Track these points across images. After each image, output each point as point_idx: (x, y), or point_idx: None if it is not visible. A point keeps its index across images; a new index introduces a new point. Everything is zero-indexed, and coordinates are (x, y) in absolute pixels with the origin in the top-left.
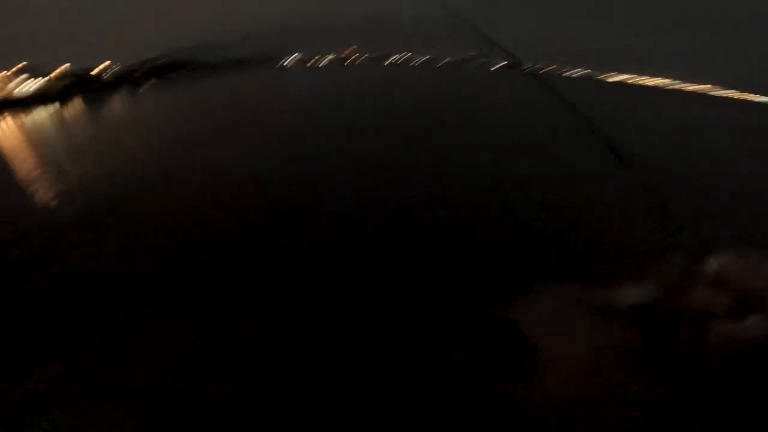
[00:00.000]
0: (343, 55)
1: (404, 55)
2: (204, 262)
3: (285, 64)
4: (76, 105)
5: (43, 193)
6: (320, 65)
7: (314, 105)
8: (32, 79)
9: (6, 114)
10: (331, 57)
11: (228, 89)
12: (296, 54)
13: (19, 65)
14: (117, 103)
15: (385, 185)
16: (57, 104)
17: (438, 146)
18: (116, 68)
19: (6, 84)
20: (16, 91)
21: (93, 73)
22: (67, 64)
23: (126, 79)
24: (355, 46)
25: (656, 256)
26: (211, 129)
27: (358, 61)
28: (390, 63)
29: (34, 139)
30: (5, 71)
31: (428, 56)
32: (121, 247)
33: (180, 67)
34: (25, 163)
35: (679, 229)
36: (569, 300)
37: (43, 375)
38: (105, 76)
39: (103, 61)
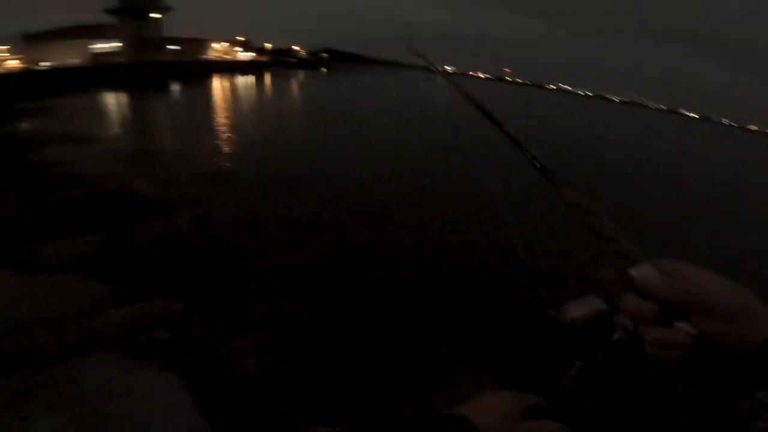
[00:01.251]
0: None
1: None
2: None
3: (440, 70)
4: (270, 76)
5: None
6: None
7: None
8: (244, 50)
9: (223, 74)
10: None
11: (388, 81)
12: (452, 66)
13: (238, 38)
14: (300, 79)
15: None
16: (258, 72)
17: None
18: (302, 53)
19: (227, 50)
20: (240, 56)
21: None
22: (269, 44)
23: (307, 62)
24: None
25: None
26: (369, 113)
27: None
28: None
29: (232, 97)
30: (227, 42)
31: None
32: (258, 205)
33: (350, 58)
34: (216, 115)
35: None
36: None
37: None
38: (292, 59)
39: (294, 45)
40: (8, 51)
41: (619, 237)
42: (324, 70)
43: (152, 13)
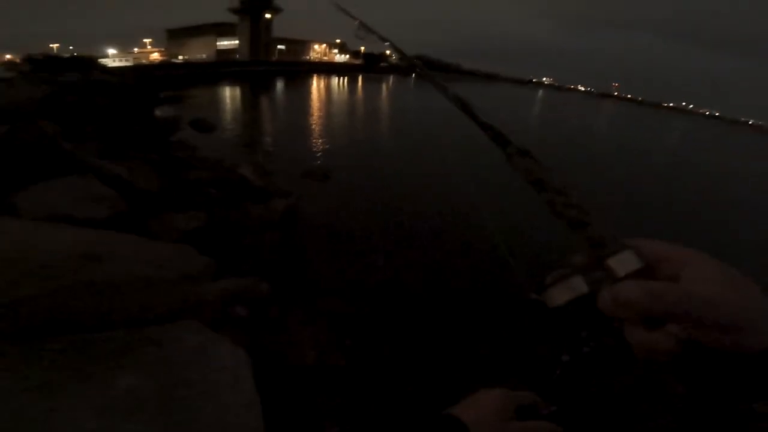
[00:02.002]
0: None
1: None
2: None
3: (534, 82)
4: (362, 79)
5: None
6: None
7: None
8: (340, 53)
9: (321, 74)
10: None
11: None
12: (548, 78)
13: (336, 41)
14: (390, 84)
15: None
16: (352, 75)
17: None
18: (394, 59)
19: (326, 52)
20: (336, 58)
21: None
22: (363, 47)
23: (399, 68)
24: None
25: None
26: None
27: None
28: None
29: (328, 97)
30: (325, 44)
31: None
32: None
33: (441, 67)
34: (313, 113)
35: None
36: None
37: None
38: (384, 63)
39: (385, 51)
40: (151, 44)
41: (590, 219)
42: (414, 76)
43: (265, 13)
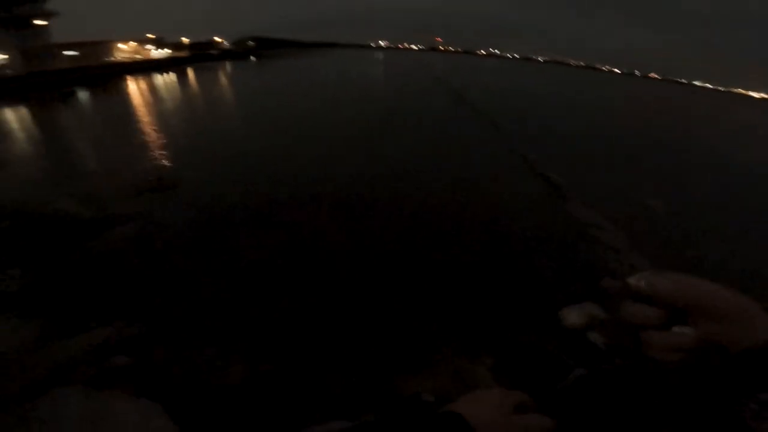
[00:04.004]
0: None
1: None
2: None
3: (374, 46)
4: (193, 71)
5: (146, 147)
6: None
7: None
8: (157, 48)
9: (137, 75)
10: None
11: (323, 64)
12: (385, 41)
13: (148, 35)
14: (227, 71)
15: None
16: (177, 69)
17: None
18: (225, 44)
19: (138, 50)
20: (152, 54)
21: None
22: (185, 38)
23: (232, 53)
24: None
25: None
26: (303, 96)
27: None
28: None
29: (153, 98)
30: (136, 41)
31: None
32: (194, 206)
33: (280, 44)
34: (140, 119)
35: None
36: None
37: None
38: (214, 51)
39: (216, 37)
40: None
41: (622, 246)
42: (253, 59)
43: (34, 20)
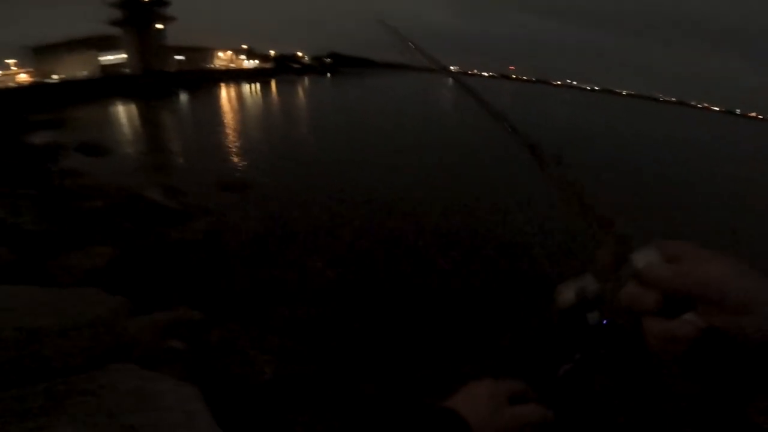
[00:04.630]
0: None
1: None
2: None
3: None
4: (275, 83)
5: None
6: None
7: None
8: (248, 58)
9: (229, 82)
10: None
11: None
12: (456, 66)
13: (242, 46)
14: (306, 85)
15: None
16: (263, 80)
17: None
18: (306, 59)
19: (232, 59)
20: (245, 64)
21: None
22: (272, 51)
23: (311, 67)
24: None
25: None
26: (376, 116)
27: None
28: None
29: (240, 105)
30: (232, 50)
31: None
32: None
33: (354, 62)
34: (226, 123)
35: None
36: None
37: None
38: (296, 65)
39: (298, 51)
40: (16, 65)
41: (616, 219)
42: (329, 75)
43: (155, 23)
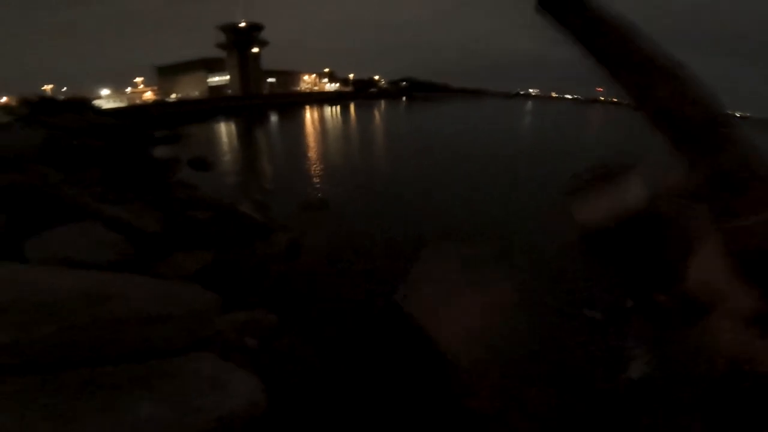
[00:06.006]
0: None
1: None
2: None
3: (521, 94)
4: (354, 106)
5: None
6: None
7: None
8: (330, 82)
9: (313, 105)
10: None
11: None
12: (535, 90)
13: (324, 69)
14: (380, 109)
15: None
16: (343, 103)
17: None
18: (382, 83)
19: (315, 82)
20: (326, 87)
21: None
22: (352, 74)
23: (387, 92)
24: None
25: None
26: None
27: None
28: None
29: (322, 127)
30: (314, 74)
31: None
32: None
33: (427, 88)
34: (309, 144)
35: None
36: None
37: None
38: (373, 89)
39: (375, 75)
40: (143, 82)
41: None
42: (404, 99)
43: (253, 47)
